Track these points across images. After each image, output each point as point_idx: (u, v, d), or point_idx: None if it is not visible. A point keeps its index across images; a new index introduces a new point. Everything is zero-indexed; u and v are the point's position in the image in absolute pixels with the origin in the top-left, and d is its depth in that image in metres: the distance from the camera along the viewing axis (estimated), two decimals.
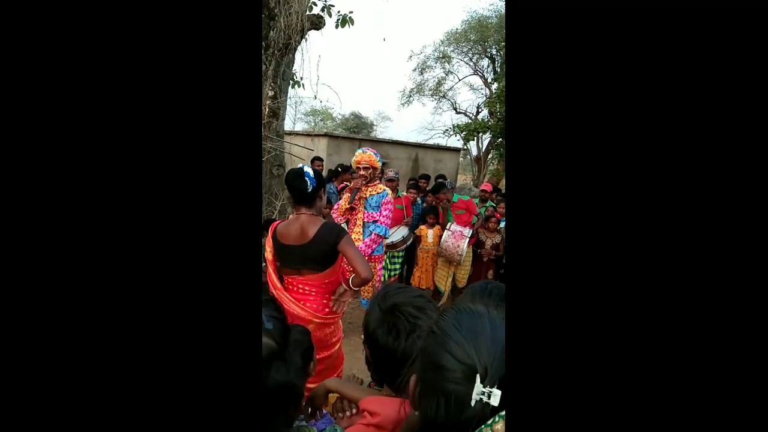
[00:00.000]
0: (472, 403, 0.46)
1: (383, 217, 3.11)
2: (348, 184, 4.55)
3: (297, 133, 8.91)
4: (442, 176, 4.98)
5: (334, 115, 21.83)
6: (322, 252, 1.73)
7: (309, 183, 1.70)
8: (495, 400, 0.45)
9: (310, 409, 0.95)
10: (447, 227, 3.75)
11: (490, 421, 0.44)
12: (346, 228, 2.69)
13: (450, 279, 3.97)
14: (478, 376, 0.47)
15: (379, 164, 3.17)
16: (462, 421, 0.47)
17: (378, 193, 3.16)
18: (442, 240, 3.73)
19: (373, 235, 3.09)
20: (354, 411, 0.84)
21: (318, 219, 1.78)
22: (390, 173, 4.00)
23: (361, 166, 3.13)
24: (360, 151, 3.19)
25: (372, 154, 3.12)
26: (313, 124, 20.97)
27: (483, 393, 0.46)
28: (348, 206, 3.13)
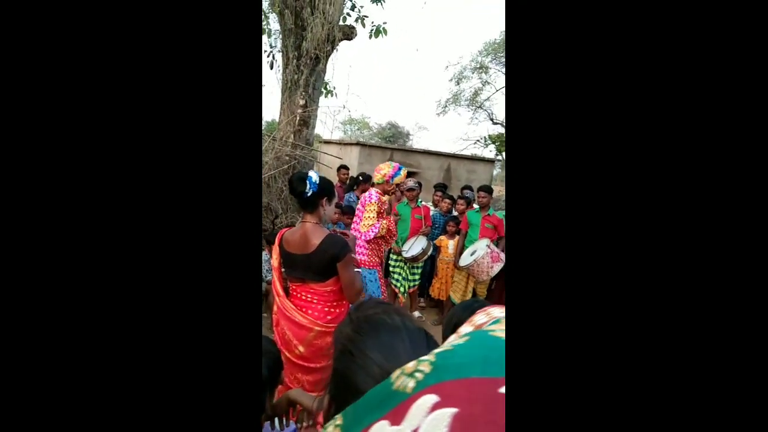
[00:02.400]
0: None
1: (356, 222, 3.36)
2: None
3: (330, 142, 9.06)
4: (468, 187, 4.91)
5: (370, 125, 22.07)
6: (324, 264, 1.73)
7: (308, 186, 1.70)
8: None
9: (276, 419, 0.96)
10: (486, 244, 3.58)
11: (325, 425, 0.42)
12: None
13: (468, 292, 3.89)
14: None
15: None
16: None
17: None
18: (477, 254, 3.56)
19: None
20: (311, 422, 0.83)
21: (321, 229, 1.78)
22: (410, 182, 3.98)
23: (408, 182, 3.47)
24: (393, 166, 3.21)
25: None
26: (349, 133, 21.27)
27: None
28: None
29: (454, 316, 0.96)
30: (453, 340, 0.40)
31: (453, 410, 0.30)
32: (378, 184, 3.18)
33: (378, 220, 3.09)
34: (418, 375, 0.35)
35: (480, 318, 0.45)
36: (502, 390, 0.32)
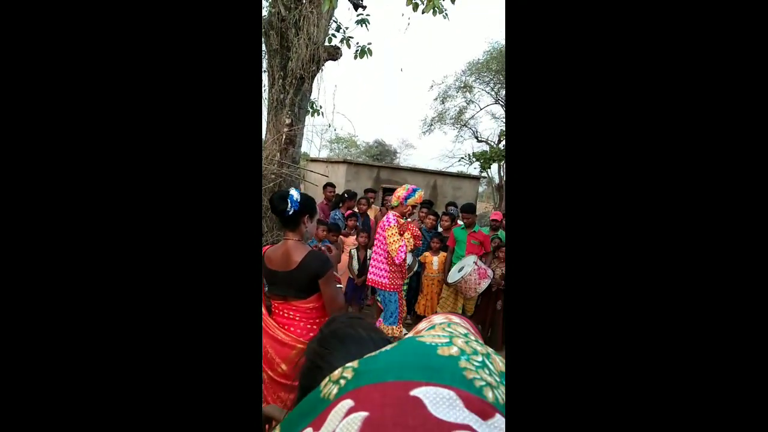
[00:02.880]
0: None
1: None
2: (355, 210, 4.59)
3: (317, 160, 9.09)
4: (453, 204, 4.95)
5: (358, 143, 22.19)
6: (306, 281, 1.73)
7: (290, 205, 1.71)
8: None
9: None
10: (474, 260, 3.62)
11: None
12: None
13: (457, 308, 3.89)
14: None
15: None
16: None
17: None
18: (464, 271, 3.58)
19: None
20: None
21: (303, 246, 1.79)
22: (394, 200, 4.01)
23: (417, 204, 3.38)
24: (420, 191, 3.41)
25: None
26: (337, 151, 21.34)
27: None
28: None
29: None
30: (386, 347, 0.41)
31: (364, 414, 0.30)
32: (395, 207, 3.33)
33: (402, 240, 3.19)
34: (342, 381, 0.35)
35: (421, 325, 0.46)
36: (414, 392, 0.32)
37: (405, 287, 3.93)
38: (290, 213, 1.72)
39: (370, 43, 5.86)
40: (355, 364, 0.36)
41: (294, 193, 1.73)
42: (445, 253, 3.94)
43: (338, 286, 1.82)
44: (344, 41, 5.87)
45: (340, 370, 0.37)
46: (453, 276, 3.65)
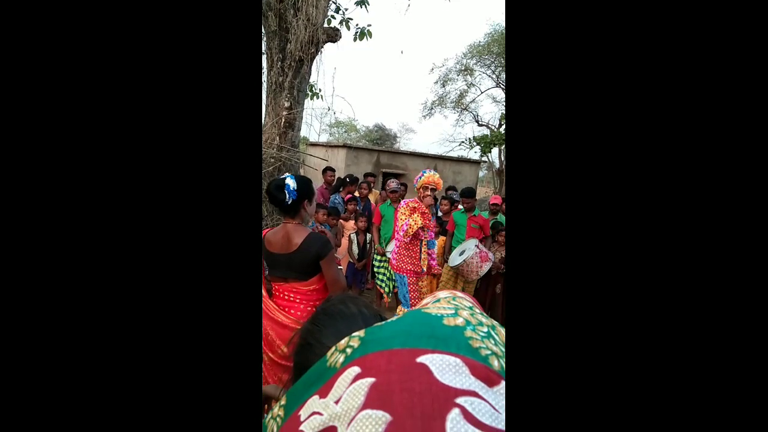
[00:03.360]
0: None
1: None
2: (355, 195, 4.58)
3: (317, 144, 9.04)
4: (452, 188, 4.94)
5: (357, 127, 22.07)
6: (306, 262, 1.74)
7: (288, 195, 1.71)
8: None
9: None
10: (475, 244, 3.62)
11: (273, 407, 0.43)
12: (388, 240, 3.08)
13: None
14: None
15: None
16: None
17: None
18: (466, 255, 3.58)
19: (430, 251, 3.45)
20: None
21: (303, 228, 1.79)
22: (393, 184, 4.00)
23: (429, 186, 3.26)
24: (431, 172, 3.35)
25: (437, 175, 3.33)
26: (336, 135, 21.23)
27: None
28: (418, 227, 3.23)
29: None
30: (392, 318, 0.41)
31: (371, 380, 0.31)
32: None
33: (408, 219, 3.28)
34: (348, 350, 0.36)
35: (427, 299, 0.46)
36: (420, 359, 0.32)
37: None
38: (290, 202, 1.72)
39: (369, 25, 5.78)
40: (361, 333, 0.37)
41: (290, 181, 1.72)
42: (444, 237, 3.94)
43: (339, 267, 1.83)
44: (343, 23, 5.78)
45: (346, 339, 0.37)
46: (454, 259, 3.66)
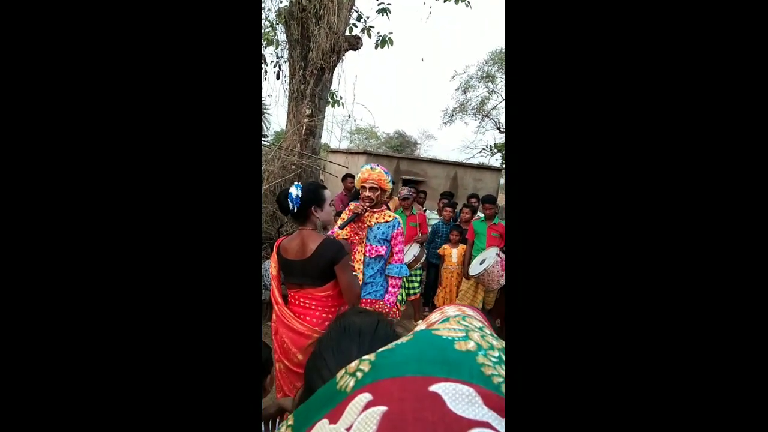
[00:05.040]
0: None
1: (397, 254, 2.42)
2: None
3: (337, 151, 9.12)
4: (474, 196, 4.89)
5: (378, 134, 22.20)
6: (320, 268, 1.74)
7: (292, 204, 1.75)
8: None
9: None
10: (496, 252, 3.51)
11: (279, 425, 0.42)
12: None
13: (477, 302, 3.86)
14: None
15: (389, 186, 2.42)
16: None
17: (387, 222, 2.41)
18: (487, 263, 3.49)
19: (391, 280, 2.41)
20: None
21: (317, 235, 1.79)
22: (404, 192, 3.98)
23: (366, 185, 2.40)
24: (367, 167, 2.45)
25: (382, 171, 2.41)
26: (357, 142, 21.38)
27: None
28: (343, 234, 2.43)
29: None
30: (401, 339, 0.40)
31: (383, 408, 0.30)
32: None
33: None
34: (358, 374, 0.35)
35: (434, 316, 0.45)
36: (433, 388, 0.31)
37: (417, 279, 3.87)
38: (295, 210, 1.76)
39: (391, 33, 5.82)
40: (372, 356, 0.37)
41: (293, 190, 1.77)
42: (464, 246, 3.90)
43: (354, 274, 1.82)
44: (365, 31, 5.83)
45: (356, 362, 0.37)
46: (475, 268, 3.61)
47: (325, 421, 0.33)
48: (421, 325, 0.45)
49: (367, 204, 2.39)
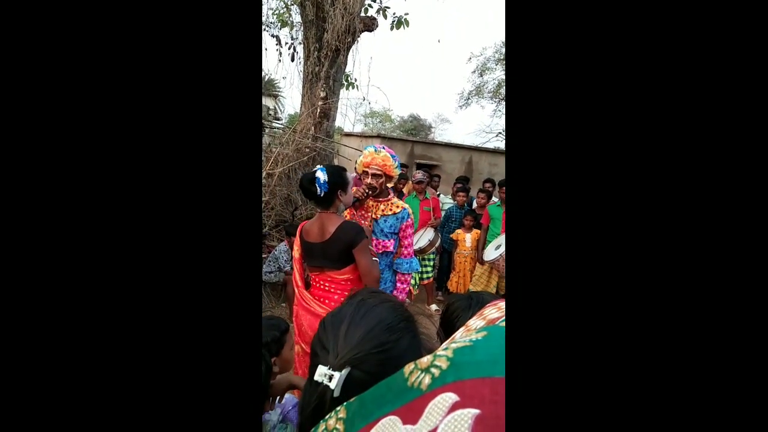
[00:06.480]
0: (318, 379, 0.48)
1: (406, 247, 2.15)
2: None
3: (351, 134, 9.07)
4: (490, 180, 4.85)
5: (392, 117, 22.00)
6: (339, 251, 1.74)
7: (320, 189, 1.71)
8: (333, 382, 0.47)
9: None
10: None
11: (326, 417, 0.41)
12: None
13: (491, 287, 3.85)
14: (326, 358, 0.51)
15: (396, 172, 2.10)
16: (317, 405, 0.48)
17: (395, 214, 2.11)
18: (501, 249, 3.45)
19: (400, 277, 2.16)
20: None
21: (337, 217, 1.79)
22: (418, 175, 3.94)
23: (369, 170, 2.06)
24: (371, 148, 2.11)
25: (388, 155, 2.08)
26: (371, 125, 21.24)
27: (324, 375, 0.48)
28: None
29: (454, 312, 0.94)
30: (466, 334, 0.38)
31: (475, 411, 0.29)
32: None
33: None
34: (434, 371, 0.33)
35: (492, 312, 0.44)
36: None
37: (431, 263, 3.86)
38: (322, 195, 1.73)
39: (407, 14, 5.70)
40: (448, 353, 0.34)
41: (320, 174, 1.72)
42: (478, 231, 3.87)
43: (374, 259, 1.82)
44: (380, 12, 5.73)
45: (430, 357, 0.35)
46: (490, 254, 3.60)
47: (395, 418, 0.32)
48: (477, 320, 0.44)
49: (369, 192, 2.07)
